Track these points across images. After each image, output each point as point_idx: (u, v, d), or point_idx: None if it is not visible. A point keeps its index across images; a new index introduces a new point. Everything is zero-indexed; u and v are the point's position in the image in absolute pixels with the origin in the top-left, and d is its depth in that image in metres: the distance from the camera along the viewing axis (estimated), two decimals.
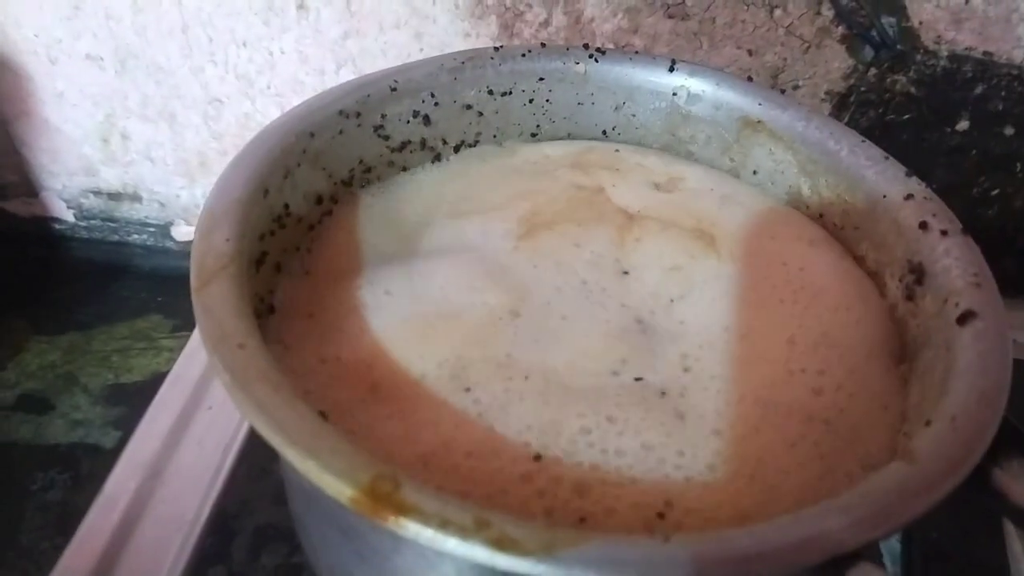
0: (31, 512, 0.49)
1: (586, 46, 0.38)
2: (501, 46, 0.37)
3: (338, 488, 0.20)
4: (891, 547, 0.41)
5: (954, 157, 0.54)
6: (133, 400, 0.56)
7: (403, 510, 0.20)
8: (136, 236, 0.67)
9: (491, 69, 0.37)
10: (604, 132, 0.40)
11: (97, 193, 0.65)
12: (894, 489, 0.22)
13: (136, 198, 0.64)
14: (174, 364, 0.49)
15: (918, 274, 0.29)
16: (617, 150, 0.39)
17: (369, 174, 0.35)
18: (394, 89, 0.34)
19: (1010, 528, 0.41)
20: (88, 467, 0.52)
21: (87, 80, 0.58)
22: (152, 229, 0.66)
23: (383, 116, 0.34)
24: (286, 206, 0.30)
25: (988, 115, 0.52)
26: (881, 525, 0.21)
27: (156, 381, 0.56)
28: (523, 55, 0.37)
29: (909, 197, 0.31)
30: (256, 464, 0.42)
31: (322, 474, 0.20)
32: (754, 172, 0.38)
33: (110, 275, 0.66)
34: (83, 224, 0.67)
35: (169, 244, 0.67)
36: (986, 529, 0.40)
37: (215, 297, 0.24)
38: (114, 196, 0.65)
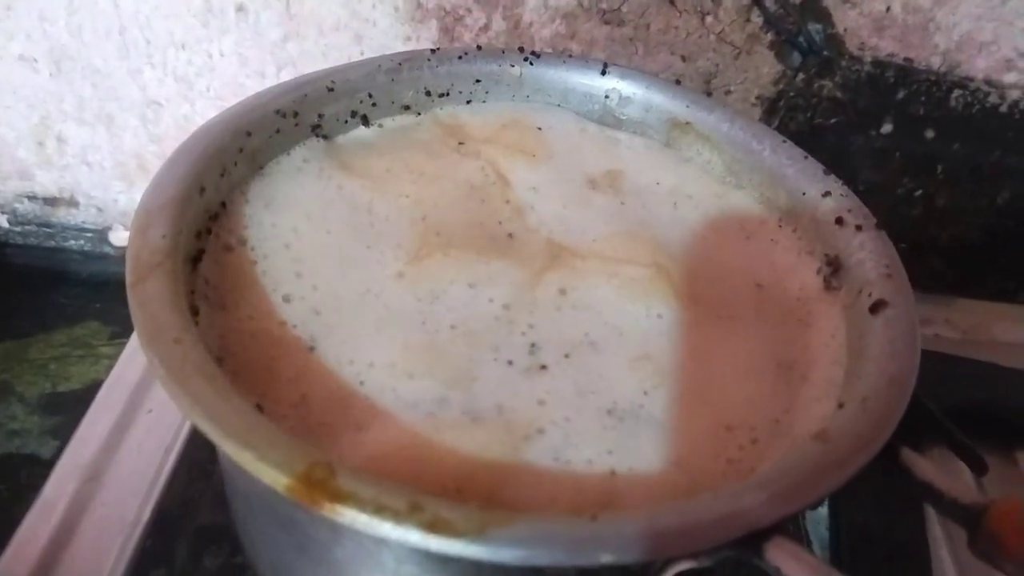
0: None
1: (521, 49, 0.39)
2: (438, 48, 0.38)
3: (274, 477, 0.20)
4: (820, 534, 0.42)
5: (879, 159, 0.56)
6: (71, 409, 0.54)
7: (338, 497, 0.20)
8: (73, 242, 0.65)
9: (428, 71, 0.38)
10: (540, 128, 0.41)
11: (32, 198, 0.63)
12: (808, 466, 0.23)
13: (73, 203, 0.63)
14: (113, 369, 0.48)
15: (835, 267, 0.31)
16: (540, 128, 0.39)
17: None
18: (331, 89, 0.35)
19: (931, 513, 0.43)
20: (26, 477, 0.51)
21: (20, 82, 0.57)
22: (89, 234, 0.65)
23: (320, 116, 0.35)
24: (223, 204, 0.30)
25: (910, 119, 0.54)
26: (796, 500, 0.22)
27: (94, 389, 0.55)
28: (459, 57, 0.38)
29: (827, 194, 0.33)
30: (197, 466, 0.42)
31: (258, 464, 0.20)
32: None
33: (47, 282, 0.64)
34: (18, 230, 0.65)
35: (107, 249, 0.65)
36: (909, 515, 0.42)
37: (150, 293, 0.24)
38: (50, 201, 0.63)
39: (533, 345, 0.29)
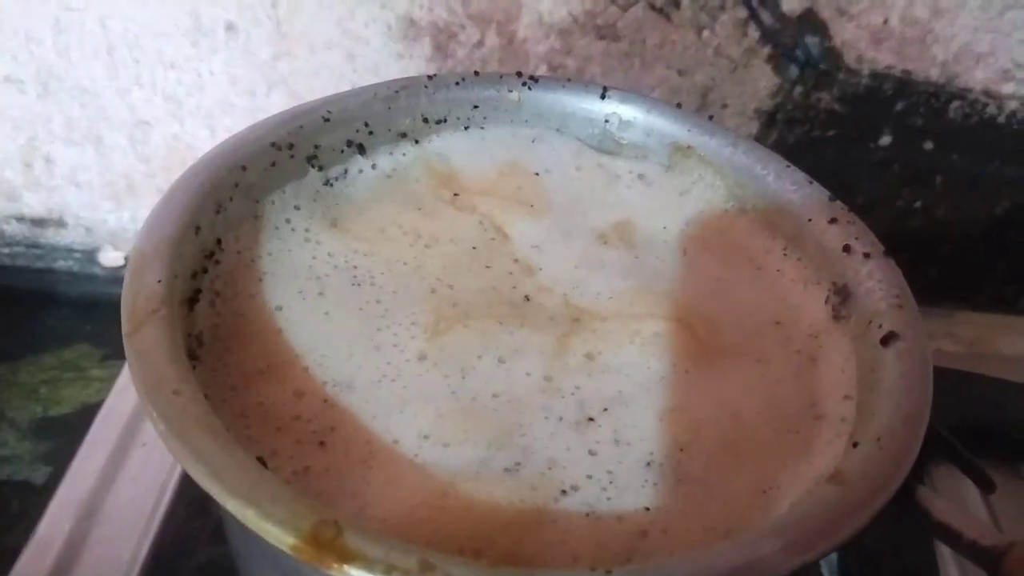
0: None
1: (519, 74, 0.39)
2: (435, 75, 0.37)
3: (279, 537, 0.20)
4: (828, 560, 0.42)
5: (878, 171, 0.56)
6: (63, 433, 0.54)
7: (347, 557, 0.20)
8: (62, 262, 0.64)
9: (425, 97, 0.37)
10: (536, 174, 0.40)
11: (20, 219, 0.62)
12: (825, 511, 0.22)
13: (61, 223, 0.62)
14: (106, 397, 0.47)
15: (843, 295, 0.30)
16: (537, 173, 0.38)
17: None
18: (327, 119, 0.34)
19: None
20: (18, 505, 0.50)
21: (7, 103, 0.56)
22: (78, 255, 0.64)
23: (316, 147, 0.34)
24: (219, 241, 0.29)
25: (909, 130, 0.54)
26: (814, 547, 0.22)
27: (86, 413, 0.54)
28: (457, 83, 0.37)
29: (833, 221, 0.32)
30: (194, 501, 0.41)
31: (262, 523, 0.20)
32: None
33: (35, 303, 0.63)
34: (5, 251, 0.64)
35: (96, 270, 0.64)
36: (918, 538, 0.42)
37: (148, 342, 0.23)
38: (38, 222, 0.62)
39: (580, 403, 0.28)
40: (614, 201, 0.38)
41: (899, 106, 0.53)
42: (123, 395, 0.45)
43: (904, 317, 0.28)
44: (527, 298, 0.32)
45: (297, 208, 0.33)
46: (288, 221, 0.33)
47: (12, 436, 0.54)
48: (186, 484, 0.40)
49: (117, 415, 0.43)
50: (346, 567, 0.20)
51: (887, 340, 0.28)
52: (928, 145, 0.55)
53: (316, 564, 0.20)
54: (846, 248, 0.31)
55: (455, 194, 0.36)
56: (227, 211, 0.30)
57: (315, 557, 0.20)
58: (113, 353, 0.59)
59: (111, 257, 0.64)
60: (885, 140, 0.54)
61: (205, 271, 0.28)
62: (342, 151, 0.35)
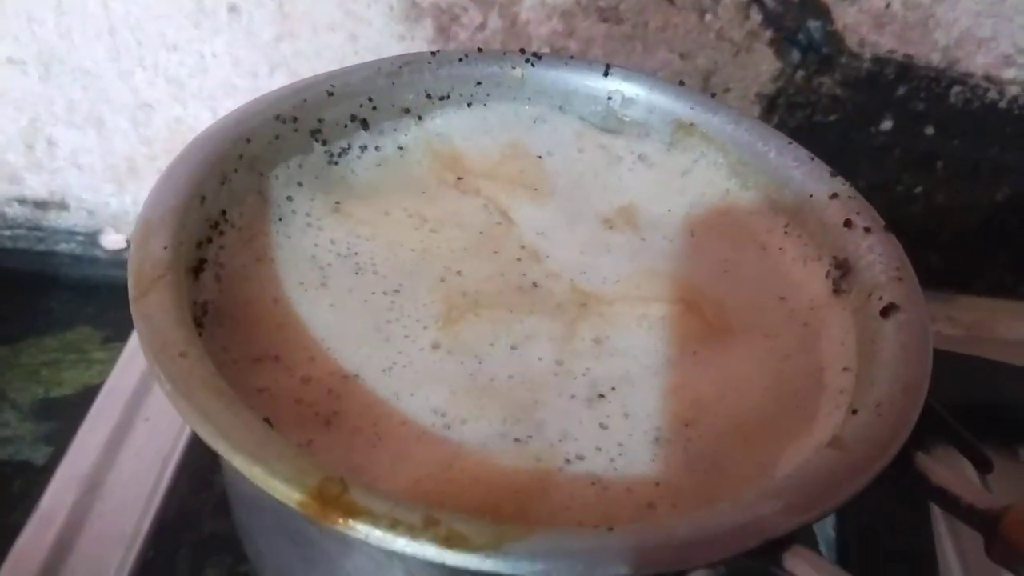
0: None
1: (522, 51, 0.39)
2: (438, 51, 0.37)
3: (286, 493, 0.20)
4: (826, 534, 0.42)
5: (879, 156, 0.56)
6: (64, 415, 0.54)
7: (352, 512, 0.20)
8: (64, 245, 0.65)
9: (429, 73, 0.37)
10: (539, 156, 0.40)
11: (22, 201, 0.63)
12: (824, 474, 0.23)
13: (63, 206, 0.63)
14: (108, 376, 0.48)
15: (844, 269, 0.31)
16: (539, 156, 0.38)
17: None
18: (331, 93, 0.34)
19: (936, 512, 0.43)
20: (20, 485, 0.50)
21: (9, 85, 0.56)
22: (80, 238, 0.64)
23: (320, 120, 0.34)
24: (223, 213, 0.30)
25: (910, 115, 0.54)
26: (813, 508, 0.22)
27: (88, 394, 0.54)
28: (460, 59, 0.38)
29: (834, 196, 0.32)
30: (197, 475, 0.41)
31: (269, 479, 0.20)
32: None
33: (37, 286, 0.64)
34: (7, 234, 0.64)
35: (98, 253, 0.65)
36: (914, 515, 0.42)
37: (154, 306, 0.23)
38: (40, 204, 0.63)
39: (592, 382, 0.29)
40: (617, 184, 0.38)
41: (900, 91, 0.53)
42: (126, 371, 0.45)
43: (904, 289, 0.29)
44: (535, 285, 0.32)
45: (300, 185, 0.33)
46: (290, 200, 0.33)
47: (14, 417, 0.54)
48: (189, 458, 0.41)
49: (120, 391, 0.43)
50: (351, 522, 0.20)
51: (887, 311, 0.28)
52: (929, 130, 0.55)
53: (322, 520, 0.20)
54: (847, 223, 0.31)
55: (459, 177, 0.37)
56: (231, 183, 0.30)
57: (321, 513, 0.20)
58: (115, 335, 0.59)
59: (113, 240, 0.64)
60: (886, 125, 0.55)
61: (210, 241, 0.29)
62: (345, 125, 0.35)
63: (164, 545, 0.39)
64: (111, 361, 0.56)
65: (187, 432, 0.42)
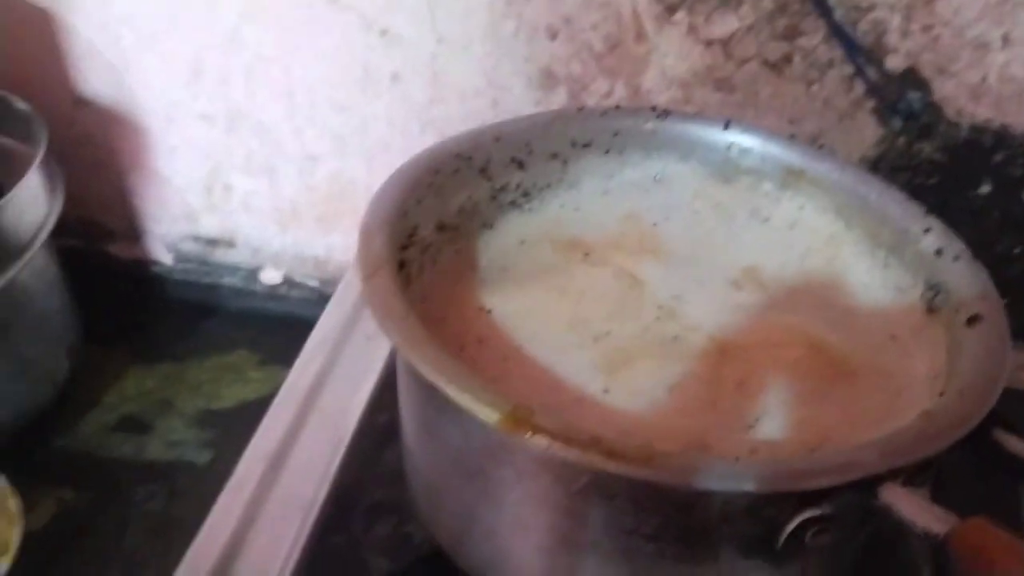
0: (134, 521, 0.54)
1: (654, 108, 0.45)
2: (584, 106, 0.44)
3: (488, 414, 0.27)
4: None
5: (977, 218, 0.59)
6: (223, 424, 0.61)
7: (537, 429, 0.26)
8: (227, 279, 0.72)
9: (575, 125, 0.44)
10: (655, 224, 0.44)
11: (196, 239, 0.71)
12: (913, 433, 0.28)
13: (231, 244, 0.70)
14: (264, 395, 0.54)
15: (936, 291, 0.35)
16: (655, 223, 0.43)
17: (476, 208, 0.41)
18: (498, 139, 0.41)
19: None
20: (184, 482, 0.57)
21: (198, 136, 0.64)
22: (243, 273, 0.72)
23: (488, 160, 0.41)
24: (415, 227, 0.37)
25: (1009, 180, 0.57)
26: (904, 454, 0.27)
27: (244, 408, 0.62)
28: (602, 114, 0.44)
29: (928, 231, 0.37)
30: (364, 455, 0.48)
31: (476, 404, 0.27)
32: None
33: (202, 313, 0.72)
34: (180, 267, 0.72)
35: (256, 287, 0.72)
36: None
37: (380, 284, 0.30)
38: (211, 242, 0.71)
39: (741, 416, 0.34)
40: (733, 245, 0.43)
41: (998, 157, 0.56)
42: (304, 371, 0.52)
43: (987, 305, 0.33)
44: (676, 338, 0.38)
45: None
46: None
47: (180, 424, 0.62)
48: (357, 440, 0.48)
49: (297, 388, 0.50)
50: (536, 436, 0.26)
51: (971, 321, 0.33)
52: None
53: (514, 434, 0.26)
54: (938, 252, 0.36)
55: (586, 253, 0.42)
56: (423, 203, 0.37)
57: (514, 428, 0.26)
58: (269, 359, 0.66)
59: (270, 276, 0.71)
60: (985, 189, 0.57)
61: (405, 248, 0.36)
62: (506, 165, 0.42)
63: (340, 508, 0.45)
64: (266, 380, 0.64)
65: (356, 421, 0.48)
